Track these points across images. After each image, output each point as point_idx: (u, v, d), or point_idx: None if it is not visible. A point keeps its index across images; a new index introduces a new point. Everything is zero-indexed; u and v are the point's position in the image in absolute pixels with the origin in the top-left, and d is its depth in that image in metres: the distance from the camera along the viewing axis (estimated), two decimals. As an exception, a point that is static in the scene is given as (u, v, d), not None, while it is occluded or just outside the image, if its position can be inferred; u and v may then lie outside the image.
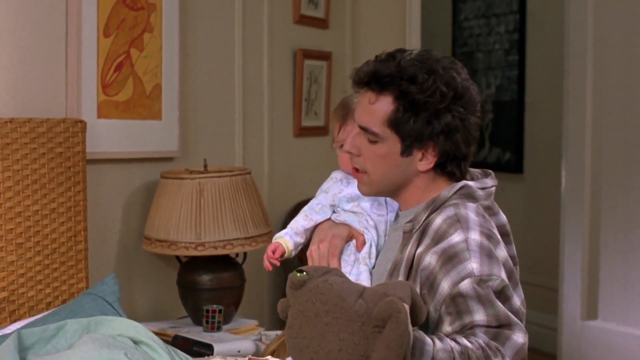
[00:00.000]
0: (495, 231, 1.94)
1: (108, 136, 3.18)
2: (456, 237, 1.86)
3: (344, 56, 4.43)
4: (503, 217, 2.04)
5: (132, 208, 3.34)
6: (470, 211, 1.93)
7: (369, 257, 2.14)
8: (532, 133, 5.59)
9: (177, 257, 3.35)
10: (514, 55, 5.67)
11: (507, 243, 2.01)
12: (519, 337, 1.76)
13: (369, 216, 2.18)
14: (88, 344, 1.82)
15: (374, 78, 1.98)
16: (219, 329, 3.15)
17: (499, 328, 1.75)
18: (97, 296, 2.71)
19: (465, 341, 1.69)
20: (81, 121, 2.97)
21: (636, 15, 4.28)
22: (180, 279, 3.33)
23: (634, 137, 4.32)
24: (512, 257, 2.02)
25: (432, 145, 1.97)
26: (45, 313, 2.70)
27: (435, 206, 1.97)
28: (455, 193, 1.98)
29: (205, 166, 3.33)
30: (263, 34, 3.93)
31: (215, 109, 3.71)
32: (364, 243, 2.15)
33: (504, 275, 1.84)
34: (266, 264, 2.27)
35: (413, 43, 4.48)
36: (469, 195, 1.98)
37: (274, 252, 2.25)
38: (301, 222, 2.27)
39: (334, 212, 2.26)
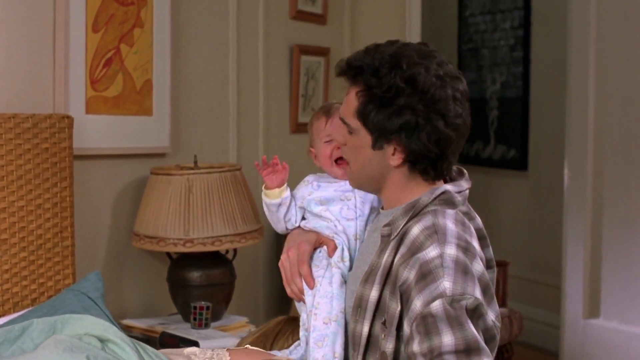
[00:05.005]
0: (474, 241, 1.91)
1: (97, 132, 3.17)
2: (432, 252, 1.83)
3: (342, 52, 4.39)
4: (479, 221, 2.02)
5: (122, 204, 3.33)
6: (449, 220, 1.90)
7: (342, 261, 2.12)
8: (537, 130, 5.54)
9: (168, 254, 3.34)
10: (519, 52, 5.62)
11: (484, 246, 1.99)
12: None
13: (337, 221, 2.17)
14: (50, 347, 1.79)
15: (346, 69, 1.97)
16: (207, 325, 3.13)
17: (466, 353, 1.73)
18: (80, 292, 2.69)
19: None
20: (68, 117, 2.96)
21: (639, 12, 4.24)
22: (170, 276, 3.31)
23: (636, 135, 4.28)
24: (488, 259, 1.99)
25: (398, 141, 1.93)
26: (28, 309, 2.69)
27: (415, 212, 1.94)
28: (435, 199, 1.94)
29: (196, 162, 3.32)
30: (258, 29, 3.90)
31: (209, 105, 3.69)
32: (335, 248, 2.14)
33: (478, 292, 1.81)
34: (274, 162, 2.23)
35: (413, 38, 4.44)
36: (448, 202, 1.95)
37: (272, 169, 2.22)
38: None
39: (303, 217, 2.24)
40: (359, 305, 1.96)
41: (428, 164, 1.96)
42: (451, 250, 1.83)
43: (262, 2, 3.90)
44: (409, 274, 1.84)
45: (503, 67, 5.76)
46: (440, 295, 1.77)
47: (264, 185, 2.25)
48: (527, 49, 5.58)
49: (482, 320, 1.80)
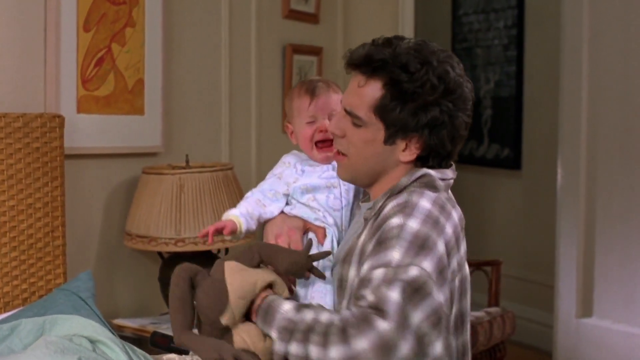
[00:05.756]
0: (448, 226, 1.88)
1: (88, 131, 3.17)
2: (394, 221, 1.83)
3: (335, 51, 4.39)
4: (460, 211, 2.00)
5: (114, 204, 3.33)
6: (425, 199, 1.88)
7: (333, 253, 2.10)
8: (531, 129, 5.54)
9: (159, 253, 3.33)
10: (513, 51, 5.62)
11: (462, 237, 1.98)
12: (381, 325, 1.71)
13: (326, 212, 2.14)
14: (42, 348, 1.79)
15: (365, 61, 1.92)
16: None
17: (373, 309, 1.73)
18: (71, 292, 2.68)
19: (324, 316, 1.76)
20: (59, 116, 2.95)
21: (632, 10, 4.24)
22: (162, 275, 3.30)
23: (629, 134, 4.27)
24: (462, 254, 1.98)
25: (417, 138, 1.92)
26: (18, 309, 2.69)
27: (393, 192, 1.94)
28: (415, 181, 1.94)
29: (187, 161, 3.31)
30: (251, 28, 3.90)
31: (201, 105, 3.69)
32: (324, 234, 2.12)
33: (429, 267, 1.79)
34: (209, 237, 2.10)
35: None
36: (429, 184, 1.94)
37: (221, 231, 2.10)
38: (256, 207, 2.16)
39: (287, 203, 2.19)
40: (340, 285, 1.96)
41: (438, 161, 1.97)
42: (414, 224, 1.82)
43: (254, 2, 3.90)
44: (371, 245, 1.85)
45: (497, 67, 5.76)
46: (386, 265, 1.77)
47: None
48: (521, 49, 5.58)
49: (429, 298, 1.76)
